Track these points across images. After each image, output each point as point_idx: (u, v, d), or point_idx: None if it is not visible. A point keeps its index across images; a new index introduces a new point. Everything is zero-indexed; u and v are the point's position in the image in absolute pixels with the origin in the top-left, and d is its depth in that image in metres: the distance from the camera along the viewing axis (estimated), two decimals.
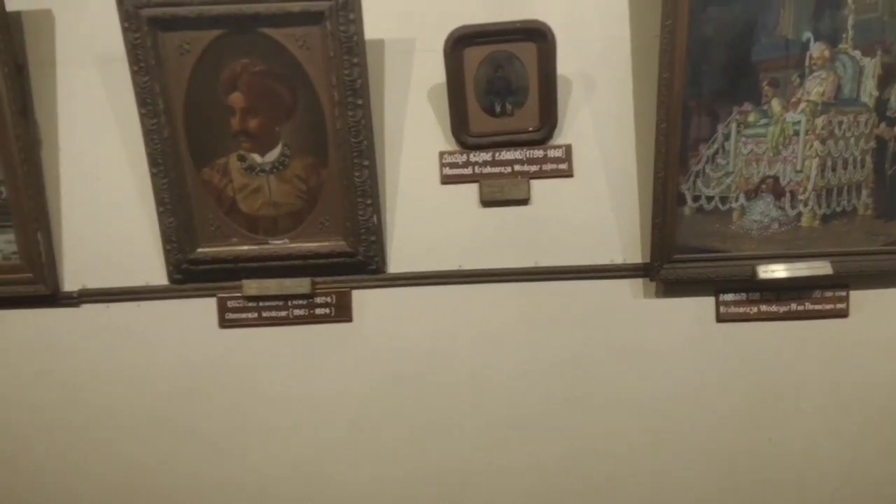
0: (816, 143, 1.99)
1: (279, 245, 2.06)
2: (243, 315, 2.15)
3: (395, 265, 2.15)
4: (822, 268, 2.05)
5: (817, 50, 1.91)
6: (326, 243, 2.06)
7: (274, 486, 2.27)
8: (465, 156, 2.07)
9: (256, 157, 2.00)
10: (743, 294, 2.15)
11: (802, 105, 1.95)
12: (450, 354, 2.20)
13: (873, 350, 2.16)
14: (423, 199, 2.12)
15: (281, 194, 2.03)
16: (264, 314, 2.15)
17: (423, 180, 2.11)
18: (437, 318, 2.18)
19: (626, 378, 2.21)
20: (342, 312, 2.13)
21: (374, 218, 2.04)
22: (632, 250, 2.14)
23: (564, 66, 2.01)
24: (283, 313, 2.15)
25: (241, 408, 2.22)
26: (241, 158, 2.00)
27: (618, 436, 2.24)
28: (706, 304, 2.16)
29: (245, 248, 2.07)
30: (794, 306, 2.14)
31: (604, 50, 2.03)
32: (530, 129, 2.05)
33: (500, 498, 2.28)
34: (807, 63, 1.94)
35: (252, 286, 2.10)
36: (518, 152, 2.07)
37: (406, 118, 2.10)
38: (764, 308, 2.14)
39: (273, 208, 2.04)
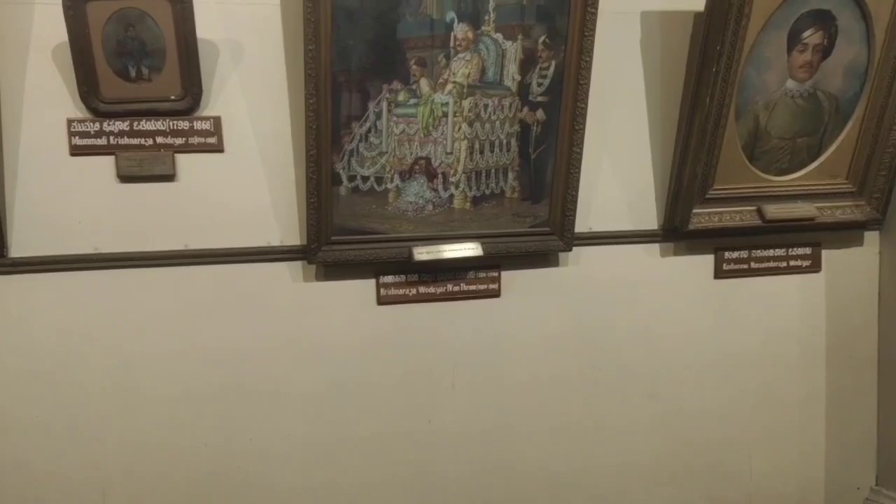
0: (464, 126, 2.15)
1: None
2: None
3: (17, 249, 2.04)
4: (472, 249, 2.24)
5: (461, 31, 2.07)
6: None
7: None
8: (97, 124, 2.00)
9: None
10: (402, 276, 2.28)
11: (449, 86, 2.11)
12: (86, 350, 2.12)
13: (524, 327, 2.41)
14: (49, 173, 2.02)
15: None
16: None
17: (48, 152, 2.01)
18: (69, 309, 2.09)
19: (286, 366, 2.25)
20: None
21: None
22: (290, 232, 2.19)
23: (207, 29, 2.00)
24: None
25: None
26: None
27: (275, 427, 2.29)
28: (367, 286, 2.28)
29: None
30: (450, 287, 2.32)
31: (251, 15, 2.04)
32: (172, 97, 2.02)
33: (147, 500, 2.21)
34: (452, 44, 2.07)
35: None
36: (160, 122, 2.04)
37: (26, 80, 1.98)
38: (422, 289, 2.30)
39: None
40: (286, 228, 2.18)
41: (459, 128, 2.14)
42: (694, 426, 2.58)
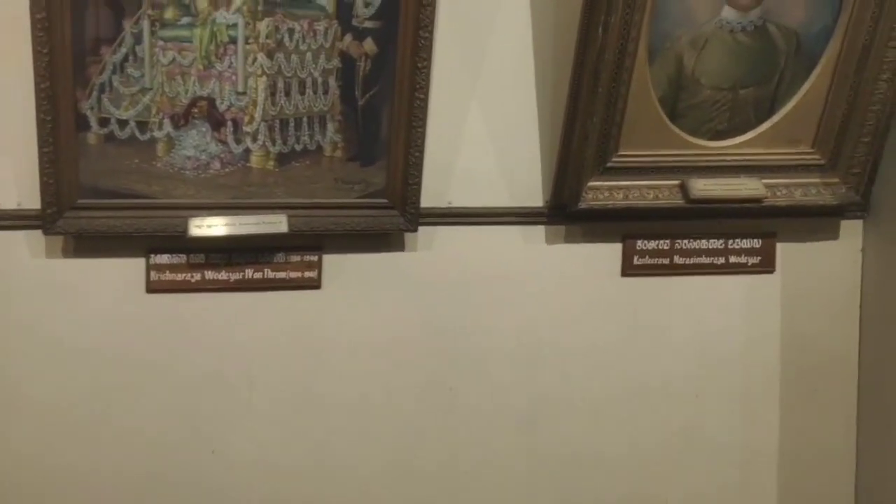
0: (261, 57, 1.87)
1: None
2: None
3: None
4: (273, 224, 1.96)
5: None
6: None
7: None
8: None
9: None
10: (182, 256, 2.01)
11: (237, 1, 1.82)
12: None
13: (352, 329, 2.15)
14: None
15: None
16: None
17: None
18: None
19: (19, 369, 2.02)
20: None
21: None
22: (31, 192, 1.91)
23: None
24: None
25: None
26: None
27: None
28: (134, 267, 2.01)
29: None
30: (249, 273, 2.06)
31: None
32: None
33: None
34: None
35: None
36: None
37: None
38: (211, 275, 2.04)
39: None
40: (25, 188, 1.92)
41: (255, 59, 1.88)
42: (588, 473, 2.30)
